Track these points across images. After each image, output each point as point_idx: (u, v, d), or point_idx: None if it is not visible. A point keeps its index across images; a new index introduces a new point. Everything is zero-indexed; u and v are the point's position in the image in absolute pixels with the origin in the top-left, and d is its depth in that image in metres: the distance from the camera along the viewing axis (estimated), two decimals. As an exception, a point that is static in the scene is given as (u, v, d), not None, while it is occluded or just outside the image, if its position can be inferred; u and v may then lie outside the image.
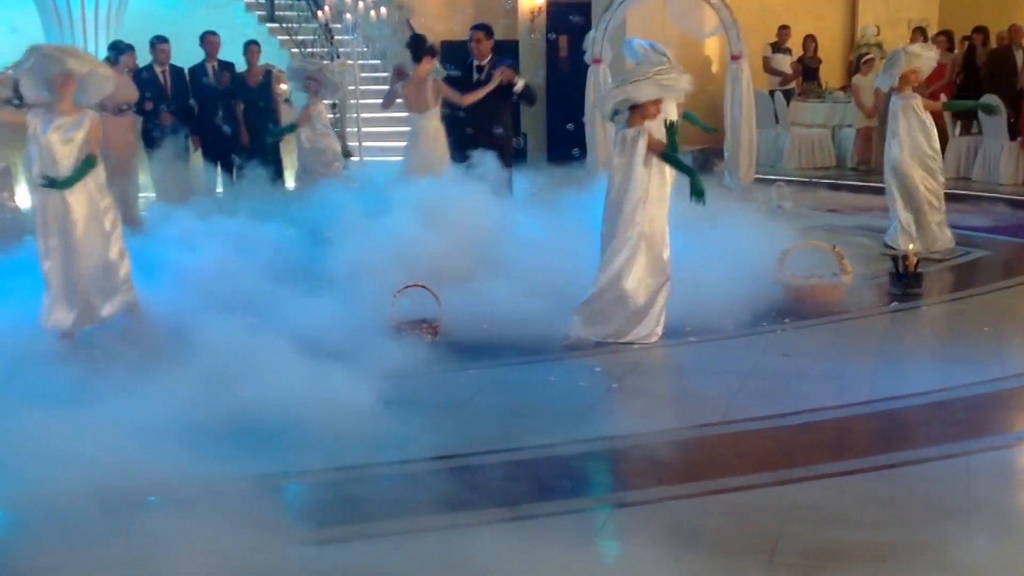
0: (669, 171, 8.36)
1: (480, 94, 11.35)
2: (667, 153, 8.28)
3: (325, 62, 14.41)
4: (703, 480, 5.78)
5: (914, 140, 11.05)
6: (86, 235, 8.09)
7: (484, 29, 11.77)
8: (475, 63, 11.63)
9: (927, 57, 11.05)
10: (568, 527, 5.23)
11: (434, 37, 18.13)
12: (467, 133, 11.44)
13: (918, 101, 11.10)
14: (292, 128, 12.87)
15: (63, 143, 7.99)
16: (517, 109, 12.00)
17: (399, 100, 11.97)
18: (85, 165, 8.05)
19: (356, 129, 16.63)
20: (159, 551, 4.81)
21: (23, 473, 5.49)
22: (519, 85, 11.44)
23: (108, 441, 5.76)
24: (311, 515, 5.32)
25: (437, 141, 11.52)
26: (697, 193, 8.06)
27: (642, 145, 8.12)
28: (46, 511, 5.14)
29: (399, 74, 12.19)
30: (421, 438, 6.17)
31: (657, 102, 8.22)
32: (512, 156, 11.76)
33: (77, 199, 8.05)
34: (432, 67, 11.57)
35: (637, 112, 8.19)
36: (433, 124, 11.52)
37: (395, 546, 5.00)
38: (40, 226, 8.09)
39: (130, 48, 13.09)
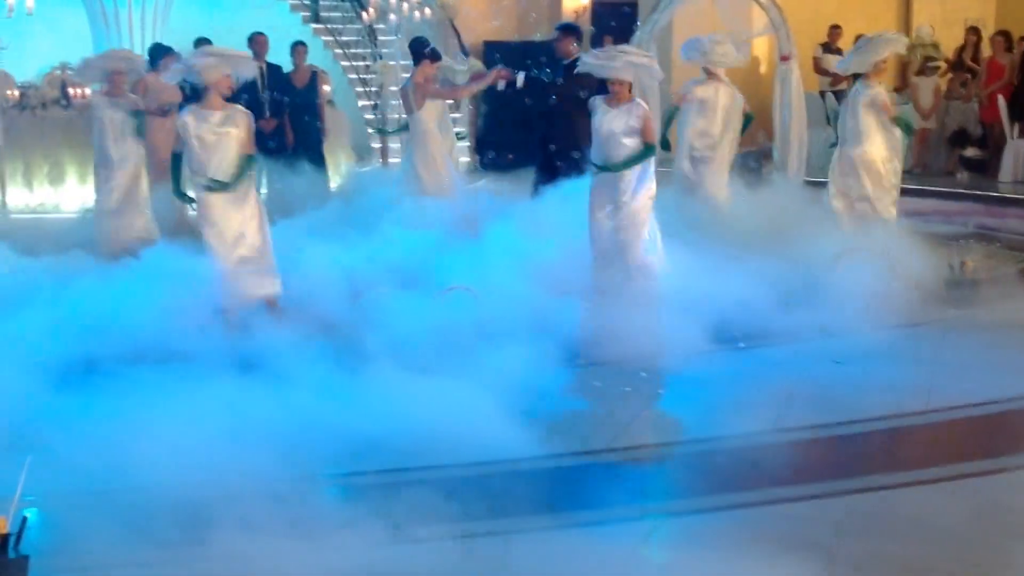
0: None
1: (471, 89, 12.00)
2: None
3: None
4: (754, 489, 5.71)
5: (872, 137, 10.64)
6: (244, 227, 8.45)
7: (563, 28, 11.66)
8: (563, 61, 11.18)
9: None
10: (615, 535, 5.19)
11: (477, 37, 18.20)
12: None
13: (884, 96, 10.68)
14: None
15: (215, 139, 8.34)
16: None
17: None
18: (245, 164, 8.38)
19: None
20: (271, 546, 4.87)
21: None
22: (520, 80, 11.15)
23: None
24: (402, 514, 5.29)
25: (421, 143, 11.21)
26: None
27: None
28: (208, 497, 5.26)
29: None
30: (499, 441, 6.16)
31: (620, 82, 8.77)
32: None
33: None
34: (432, 72, 11.43)
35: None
36: (418, 128, 11.22)
37: (492, 545, 5.09)
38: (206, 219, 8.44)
39: (169, 50, 13.11)
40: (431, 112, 11.25)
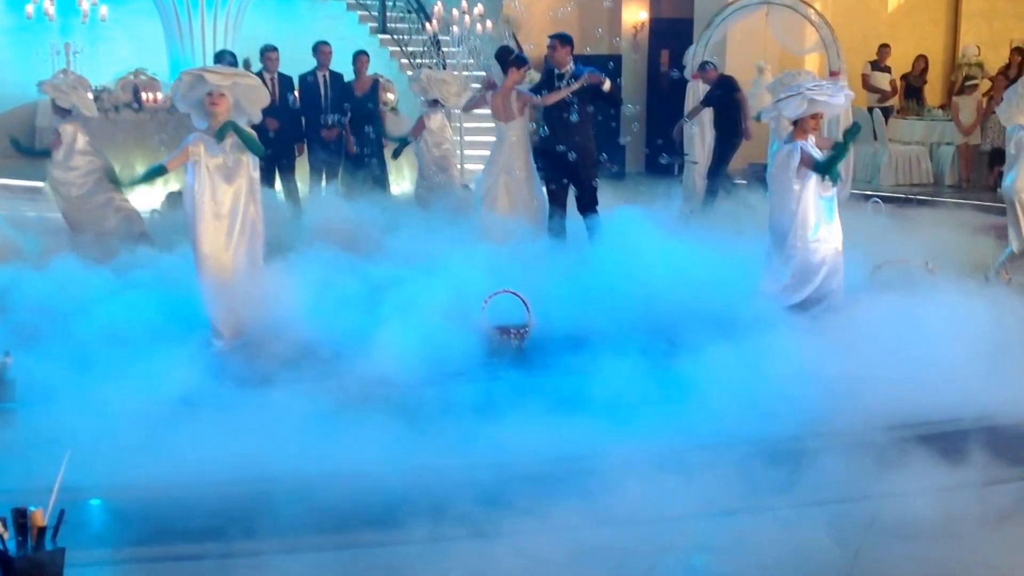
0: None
1: (562, 94, 10.72)
2: (821, 163, 8.02)
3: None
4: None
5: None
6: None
7: (559, 37, 11.08)
8: (555, 72, 10.98)
9: None
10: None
11: (540, 51, 17.91)
12: (547, 148, 11.07)
13: None
14: (406, 141, 12.68)
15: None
16: (599, 123, 11.47)
17: (486, 110, 11.51)
18: None
19: (459, 139, 16.38)
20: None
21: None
22: (607, 85, 10.76)
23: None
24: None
25: (519, 151, 11.00)
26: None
27: (793, 164, 8.02)
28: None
29: (490, 85, 11.77)
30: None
31: (816, 116, 8.05)
32: (593, 170, 11.17)
33: None
34: (520, 78, 11.07)
35: (798, 127, 8.08)
36: (516, 134, 11.00)
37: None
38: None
39: (231, 56, 13.00)
40: (523, 119, 11.08)
